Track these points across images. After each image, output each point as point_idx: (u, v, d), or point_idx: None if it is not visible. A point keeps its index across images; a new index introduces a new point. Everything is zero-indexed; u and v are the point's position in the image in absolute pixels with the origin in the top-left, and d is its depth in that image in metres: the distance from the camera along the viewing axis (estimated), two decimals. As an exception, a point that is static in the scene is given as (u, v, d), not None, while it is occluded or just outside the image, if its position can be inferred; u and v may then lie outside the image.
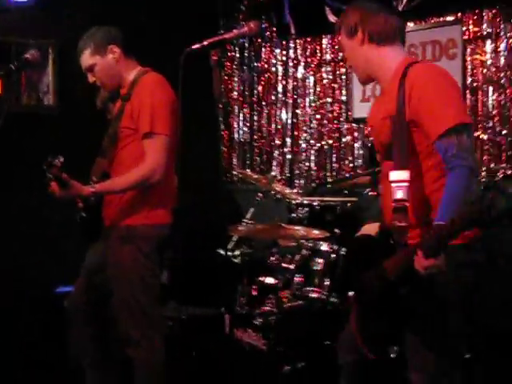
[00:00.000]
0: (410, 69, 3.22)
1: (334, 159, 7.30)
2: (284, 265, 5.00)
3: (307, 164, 7.52)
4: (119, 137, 4.21)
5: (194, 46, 3.32)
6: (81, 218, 4.26)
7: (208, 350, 4.97)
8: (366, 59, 3.38)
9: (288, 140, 7.67)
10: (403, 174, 3.14)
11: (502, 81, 6.08)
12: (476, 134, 6.16)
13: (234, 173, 7.90)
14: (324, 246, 4.80)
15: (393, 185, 3.15)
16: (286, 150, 7.69)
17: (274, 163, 7.77)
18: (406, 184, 3.13)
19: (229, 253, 5.87)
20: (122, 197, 4.19)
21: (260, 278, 5.04)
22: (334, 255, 4.73)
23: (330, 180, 7.24)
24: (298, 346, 4.61)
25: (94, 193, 4.04)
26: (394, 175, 3.16)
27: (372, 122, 3.53)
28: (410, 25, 6.68)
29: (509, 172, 5.75)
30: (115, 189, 4.15)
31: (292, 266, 4.93)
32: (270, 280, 4.99)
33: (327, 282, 4.64)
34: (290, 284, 4.85)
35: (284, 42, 7.68)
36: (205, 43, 3.30)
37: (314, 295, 4.65)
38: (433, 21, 6.55)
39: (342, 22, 3.42)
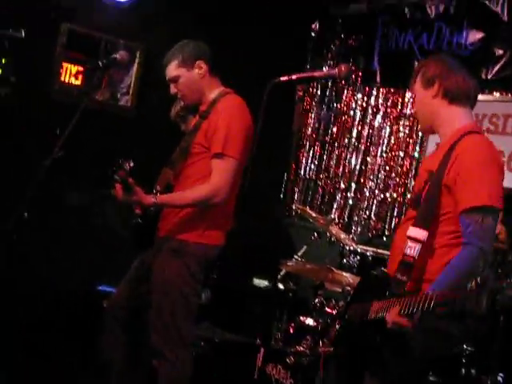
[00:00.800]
0: (464, 137, 3.23)
1: (395, 213, 7.24)
2: (327, 309, 4.95)
3: (367, 213, 7.46)
4: (190, 152, 4.23)
5: (283, 78, 3.32)
6: (136, 224, 4.27)
7: (234, 378, 4.93)
8: (433, 112, 3.39)
9: (353, 185, 7.63)
10: (421, 233, 3.17)
11: None
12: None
13: (294, 207, 7.86)
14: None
15: (408, 240, 3.16)
16: (349, 194, 7.65)
17: (335, 206, 7.73)
18: (420, 243, 3.16)
19: (274, 285, 5.86)
20: (181, 211, 4.20)
21: (301, 317, 4.99)
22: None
23: (387, 233, 7.17)
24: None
25: (155, 203, 4.06)
26: (413, 231, 3.18)
27: (420, 169, 3.53)
28: (496, 95, 6.62)
29: None
30: (176, 203, 4.18)
31: (334, 312, 4.88)
32: (310, 321, 4.94)
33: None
34: (329, 329, 4.79)
35: (367, 89, 7.67)
36: (293, 77, 3.29)
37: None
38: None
39: (421, 70, 3.43)
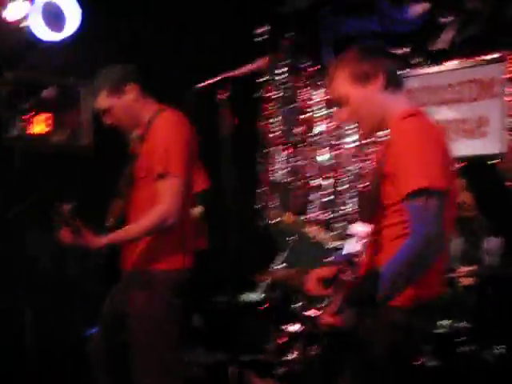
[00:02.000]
0: (399, 122, 3.00)
1: (373, 202, 7.11)
2: (310, 312, 4.81)
3: (345, 207, 7.34)
4: (136, 178, 4.07)
5: (201, 84, 3.19)
6: (96, 264, 4.12)
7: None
8: (379, 107, 3.09)
9: (326, 182, 7.50)
10: (365, 229, 3.05)
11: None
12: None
13: (270, 214, 7.75)
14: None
15: (354, 236, 3.03)
16: (324, 192, 7.52)
17: (312, 205, 7.61)
18: (364, 239, 3.04)
19: (258, 298, 5.75)
20: (140, 241, 4.03)
21: (288, 325, 4.86)
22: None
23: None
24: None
25: (106, 244, 3.88)
26: (355, 228, 3.05)
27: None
28: (452, 63, 6.52)
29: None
30: (128, 237, 3.99)
31: (318, 314, 4.73)
32: (296, 327, 4.80)
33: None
34: (316, 332, 4.65)
35: (324, 82, 7.56)
36: (211, 81, 3.16)
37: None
38: (474, 59, 6.37)
39: (345, 69, 3.10)
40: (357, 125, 3.17)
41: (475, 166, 6.16)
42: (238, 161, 3.56)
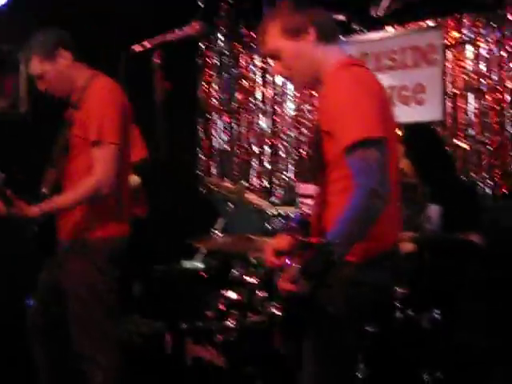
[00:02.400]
0: (335, 72, 2.94)
1: (313, 168, 7.12)
2: (248, 279, 4.79)
3: (286, 173, 7.33)
4: (70, 146, 3.99)
5: (137, 48, 3.12)
6: (33, 232, 4.04)
7: (167, 367, 4.79)
8: (313, 61, 3.02)
9: (267, 148, 7.48)
10: (310, 187, 3.00)
11: (483, 87, 5.91)
12: (456, 142, 5.99)
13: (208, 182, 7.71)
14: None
15: (300, 197, 2.99)
16: (264, 158, 7.51)
17: (253, 173, 7.59)
18: (311, 198, 2.98)
19: (196, 265, 5.72)
20: (75, 210, 3.98)
21: (223, 293, 4.82)
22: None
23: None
24: (259, 364, 4.41)
25: (40, 213, 3.81)
26: (302, 188, 3.01)
27: None
28: (390, 30, 6.53)
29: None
30: (63, 206, 3.92)
31: (256, 281, 4.71)
32: (232, 295, 4.77)
33: (291, 298, 4.43)
34: (253, 299, 4.63)
35: (263, 48, 7.51)
36: (147, 45, 3.09)
37: (276, 311, 4.43)
38: (412, 26, 6.38)
39: (275, 25, 3.01)
40: (290, 78, 3.12)
41: (414, 133, 6.20)
42: (177, 127, 3.52)
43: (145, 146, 5.90)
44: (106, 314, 4.02)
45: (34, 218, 3.82)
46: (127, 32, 5.80)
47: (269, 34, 3.03)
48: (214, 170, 7.99)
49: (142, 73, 3.32)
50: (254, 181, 7.58)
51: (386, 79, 6.49)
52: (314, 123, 3.13)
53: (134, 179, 5.37)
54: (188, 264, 5.88)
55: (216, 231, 5.50)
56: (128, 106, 4.03)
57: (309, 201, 2.99)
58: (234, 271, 4.87)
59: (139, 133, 5.86)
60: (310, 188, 3.01)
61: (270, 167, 7.51)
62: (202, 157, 8.07)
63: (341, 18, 6.68)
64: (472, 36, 5.99)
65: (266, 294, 4.55)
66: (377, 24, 6.57)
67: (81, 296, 3.95)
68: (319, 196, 3.01)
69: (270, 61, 7.23)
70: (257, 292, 4.58)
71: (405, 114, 6.34)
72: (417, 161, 4.90)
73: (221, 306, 4.83)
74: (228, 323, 4.57)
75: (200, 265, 5.76)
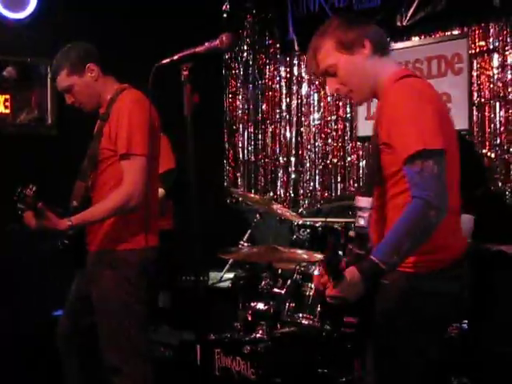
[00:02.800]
0: (393, 84, 2.93)
1: (338, 179, 7.11)
2: (276, 290, 4.79)
3: (311, 184, 7.33)
4: (99, 159, 4.03)
5: (164, 61, 3.13)
6: (63, 245, 4.06)
7: (196, 378, 4.78)
8: (369, 74, 3.02)
9: (292, 159, 7.49)
10: (367, 200, 3.00)
11: (510, 96, 5.88)
12: (483, 151, 5.96)
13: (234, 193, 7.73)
14: (316, 271, 4.57)
15: (358, 211, 2.98)
16: (290, 169, 7.52)
17: (279, 183, 7.60)
18: (368, 211, 2.98)
19: (224, 276, 5.73)
20: (104, 222, 4.00)
21: (251, 304, 4.83)
22: (326, 280, 4.51)
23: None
24: (288, 374, 4.40)
25: (71, 226, 3.81)
26: (359, 201, 3.00)
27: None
28: (415, 39, 6.52)
29: None
30: (93, 219, 3.93)
31: (283, 291, 4.72)
32: (260, 306, 4.77)
33: (318, 308, 4.42)
34: (281, 310, 4.63)
35: (288, 59, 7.54)
36: (175, 57, 3.10)
37: (305, 322, 4.43)
38: (438, 35, 6.37)
39: (328, 42, 3.01)
40: (348, 94, 3.09)
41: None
42: (203, 139, 3.53)
43: (173, 157, 5.94)
44: (135, 325, 4.03)
45: (65, 231, 3.84)
46: (156, 45, 5.88)
47: (322, 50, 3.02)
48: (239, 181, 8.00)
49: (171, 85, 3.33)
50: (280, 192, 7.57)
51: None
52: (372, 135, 3.08)
53: (160, 191, 5.39)
54: (216, 275, 5.90)
55: (243, 242, 5.52)
56: (156, 118, 4.07)
57: (366, 214, 2.99)
58: (262, 282, 4.88)
59: (168, 143, 5.90)
60: (366, 201, 3.01)
61: (295, 178, 7.49)
62: (228, 168, 8.08)
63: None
64: (498, 44, 5.95)
65: (293, 305, 4.55)
66: (402, 33, 6.56)
67: (110, 308, 3.99)
68: (378, 210, 3.02)
69: (295, 71, 7.30)
70: (285, 303, 4.59)
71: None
72: None
73: (249, 317, 4.84)
74: (257, 334, 4.58)
75: (228, 276, 5.77)
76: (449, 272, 2.90)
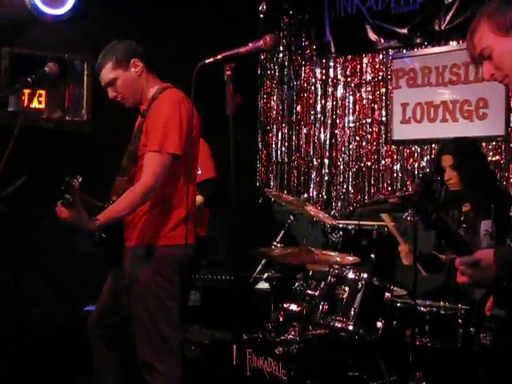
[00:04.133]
0: None
1: (372, 182, 7.10)
2: (309, 291, 4.79)
3: (345, 186, 7.32)
4: (138, 155, 4.05)
5: (208, 60, 3.14)
6: (100, 239, 4.08)
7: (226, 378, 4.79)
8: None
9: (326, 161, 7.48)
10: None
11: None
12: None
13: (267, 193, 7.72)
14: (351, 274, 4.58)
15: None
16: (323, 171, 7.51)
17: (312, 185, 7.59)
18: None
19: (258, 276, 5.72)
20: (142, 217, 4.04)
21: (284, 305, 4.83)
22: (360, 283, 4.51)
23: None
24: (319, 377, 4.41)
25: (99, 227, 3.81)
26: None
27: None
28: (453, 44, 6.50)
29: None
30: (118, 214, 3.91)
31: (317, 293, 4.72)
32: (293, 307, 4.78)
33: (352, 312, 4.42)
34: (314, 312, 4.64)
35: (324, 61, 7.53)
36: (219, 57, 3.11)
37: (338, 325, 4.44)
38: (476, 40, 6.33)
39: (489, 21, 2.84)
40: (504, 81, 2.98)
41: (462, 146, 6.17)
42: (240, 139, 3.53)
43: (213, 166, 5.98)
44: (168, 321, 4.04)
45: (94, 231, 3.85)
46: (198, 46, 5.89)
47: (479, 32, 2.89)
48: (272, 182, 8.00)
49: (214, 85, 3.35)
50: (313, 193, 7.57)
51: (448, 93, 6.47)
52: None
53: (198, 198, 5.41)
54: (249, 275, 5.89)
55: (276, 243, 5.52)
56: (197, 120, 4.08)
57: None
58: (296, 283, 4.88)
59: (208, 150, 5.95)
60: None
61: (328, 180, 7.48)
62: (261, 168, 8.09)
63: (404, 31, 6.68)
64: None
65: (327, 307, 4.55)
66: (440, 38, 6.54)
67: (144, 302, 4.00)
68: None
69: (331, 73, 7.28)
70: (318, 305, 4.59)
71: (467, 128, 6.31)
72: (464, 173, 4.87)
73: (282, 319, 4.84)
74: (289, 335, 4.59)
75: (261, 276, 5.77)
76: None
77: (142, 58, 4.18)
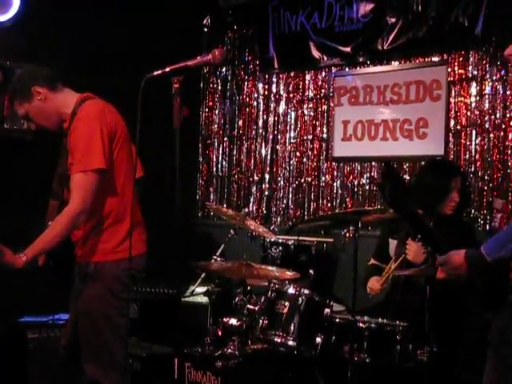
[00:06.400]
0: None
1: (312, 198, 7.13)
2: (249, 306, 4.79)
3: (285, 201, 7.35)
4: (68, 175, 3.94)
5: (156, 72, 3.14)
6: (48, 266, 4.02)
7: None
8: None
9: (266, 176, 7.50)
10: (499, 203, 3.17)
11: (487, 125, 5.95)
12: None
13: (208, 207, 7.69)
14: (291, 289, 4.58)
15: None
16: (264, 186, 7.53)
17: (252, 199, 7.60)
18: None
19: (196, 290, 5.70)
20: (89, 234, 3.98)
21: (224, 319, 4.82)
22: (300, 299, 4.52)
23: (307, 219, 7.09)
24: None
25: (27, 262, 3.68)
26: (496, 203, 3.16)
27: None
28: (395, 64, 6.59)
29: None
30: (47, 246, 3.81)
31: (257, 308, 4.71)
32: (233, 321, 4.77)
33: (292, 327, 4.43)
34: (254, 327, 4.63)
35: (267, 76, 7.57)
36: (167, 69, 3.11)
37: (278, 340, 4.43)
38: (418, 61, 6.44)
39: None
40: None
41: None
42: (182, 152, 3.52)
43: (141, 166, 5.92)
44: (117, 338, 3.98)
45: (22, 268, 3.70)
46: (144, 59, 5.86)
47: None
48: (212, 196, 7.99)
49: (162, 97, 3.34)
50: (253, 208, 7.57)
51: (389, 112, 6.55)
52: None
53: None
54: (188, 289, 5.87)
55: (216, 257, 5.51)
56: (122, 127, 4.02)
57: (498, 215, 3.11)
58: (236, 298, 4.88)
59: (135, 152, 5.88)
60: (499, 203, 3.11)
61: (268, 195, 7.51)
62: (201, 182, 8.07)
63: (347, 49, 6.75)
64: (477, 73, 6.03)
65: (267, 322, 4.54)
66: (382, 57, 6.62)
67: (93, 320, 3.95)
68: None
69: (273, 89, 7.32)
70: (258, 319, 4.58)
71: (407, 147, 6.39)
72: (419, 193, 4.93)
73: (220, 333, 4.83)
74: (228, 350, 4.57)
75: (200, 290, 5.75)
76: None
77: (43, 81, 4.04)
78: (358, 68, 6.85)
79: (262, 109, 7.64)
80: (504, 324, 2.99)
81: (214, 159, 8.01)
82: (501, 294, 3.04)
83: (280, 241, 6.17)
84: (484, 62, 6.01)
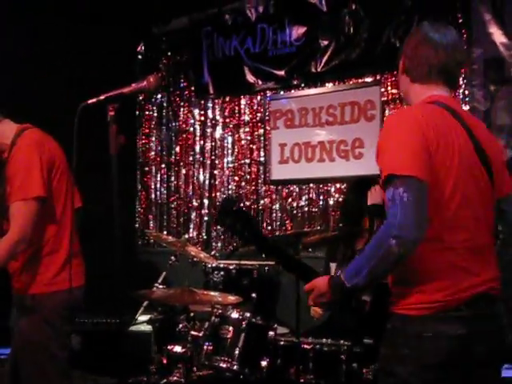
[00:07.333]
0: None
1: (252, 221, 7.14)
2: (193, 332, 4.75)
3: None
4: (6, 205, 3.89)
5: (91, 101, 3.12)
6: None
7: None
8: None
9: (205, 201, 7.50)
10: None
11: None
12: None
13: (147, 235, 7.66)
14: (234, 313, 4.57)
15: None
16: (203, 211, 7.52)
17: (191, 225, 7.59)
18: None
19: (139, 319, 5.65)
20: (25, 266, 3.91)
21: (168, 347, 4.78)
22: (244, 323, 4.50)
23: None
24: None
25: None
26: None
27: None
28: (329, 85, 6.65)
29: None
30: None
31: (201, 334, 4.68)
32: (177, 349, 4.73)
33: (237, 351, 4.41)
34: (199, 353, 4.60)
35: (202, 102, 7.58)
36: (101, 97, 3.09)
37: (223, 365, 4.41)
38: (351, 82, 6.51)
39: None
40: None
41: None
42: (120, 180, 3.51)
43: (78, 197, 5.86)
44: (58, 372, 3.93)
45: None
46: (84, 84, 5.82)
47: None
48: (151, 223, 7.96)
49: (97, 125, 3.31)
50: (193, 234, 7.56)
51: (325, 134, 6.61)
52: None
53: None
54: (130, 317, 5.81)
55: (158, 284, 5.47)
56: (60, 157, 4.01)
57: None
58: (180, 325, 4.84)
59: (74, 181, 5.81)
60: None
61: (208, 220, 7.51)
62: (140, 209, 8.04)
63: (281, 73, 6.80)
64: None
65: (211, 348, 4.52)
66: (316, 79, 6.68)
67: (33, 355, 3.88)
68: None
69: (209, 114, 7.34)
70: (202, 345, 4.55)
71: (344, 168, 6.45)
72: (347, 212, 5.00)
73: (165, 361, 4.78)
74: (174, 377, 4.53)
75: (142, 318, 5.70)
76: (451, 313, 2.73)
77: None
78: (293, 91, 6.92)
79: (198, 134, 7.67)
80: (385, 353, 2.91)
81: (153, 186, 8.00)
82: (380, 321, 2.96)
83: (221, 266, 6.13)
84: (416, 81, 6.10)
